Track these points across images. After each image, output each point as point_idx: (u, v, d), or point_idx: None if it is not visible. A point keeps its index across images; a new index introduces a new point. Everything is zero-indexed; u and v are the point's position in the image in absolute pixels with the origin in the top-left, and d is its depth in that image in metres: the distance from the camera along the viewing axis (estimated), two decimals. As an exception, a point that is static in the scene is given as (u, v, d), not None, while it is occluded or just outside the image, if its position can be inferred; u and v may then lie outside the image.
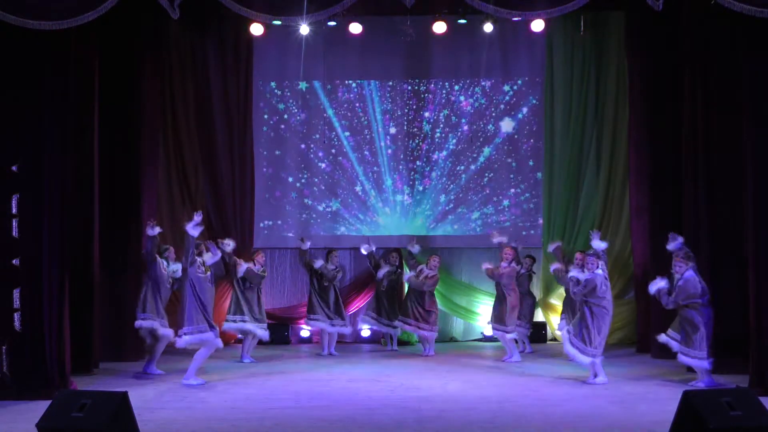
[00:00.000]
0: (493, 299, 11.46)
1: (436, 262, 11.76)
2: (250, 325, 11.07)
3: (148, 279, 10.28)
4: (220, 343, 9.66)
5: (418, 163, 13.21)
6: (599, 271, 9.40)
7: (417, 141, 13.23)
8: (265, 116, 13.29)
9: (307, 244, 11.86)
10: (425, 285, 11.62)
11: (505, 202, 13.18)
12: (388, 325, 12.17)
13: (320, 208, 13.28)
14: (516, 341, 11.40)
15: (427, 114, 13.22)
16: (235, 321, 11.07)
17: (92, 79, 10.33)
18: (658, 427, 7.07)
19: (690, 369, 9.50)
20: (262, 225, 13.26)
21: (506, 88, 13.17)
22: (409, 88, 13.21)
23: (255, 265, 11.20)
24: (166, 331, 10.16)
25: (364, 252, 12.24)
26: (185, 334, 9.33)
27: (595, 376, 9.42)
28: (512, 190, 13.18)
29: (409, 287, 11.91)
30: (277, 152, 13.28)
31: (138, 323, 10.19)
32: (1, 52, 8.76)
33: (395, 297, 12.29)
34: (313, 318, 11.80)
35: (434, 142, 13.21)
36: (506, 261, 11.21)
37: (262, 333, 11.18)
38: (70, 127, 9.02)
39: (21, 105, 8.82)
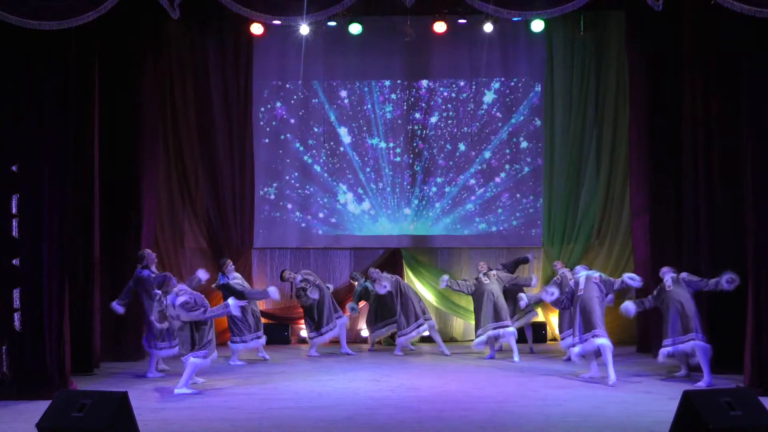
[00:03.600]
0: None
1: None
2: (252, 343, 11.15)
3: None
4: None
5: (417, 162, 13.20)
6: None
7: (416, 141, 13.22)
8: (265, 116, 13.29)
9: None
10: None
11: (505, 202, 13.18)
12: (389, 324, 12.12)
13: (320, 207, 13.28)
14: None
15: (426, 114, 13.22)
16: (244, 341, 11.09)
17: (92, 79, 10.34)
18: (658, 427, 7.07)
19: (693, 368, 9.57)
20: (261, 225, 13.26)
21: (506, 88, 13.18)
22: (409, 88, 13.21)
23: (228, 277, 11.12)
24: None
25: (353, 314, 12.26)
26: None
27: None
28: (512, 190, 13.18)
29: (405, 291, 11.86)
30: (276, 152, 13.28)
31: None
32: (1, 52, 8.76)
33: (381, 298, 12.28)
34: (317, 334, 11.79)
35: (434, 142, 13.21)
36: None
37: (262, 342, 11.35)
38: (70, 127, 9.01)
39: (21, 105, 8.82)
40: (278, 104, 13.29)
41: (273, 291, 10.89)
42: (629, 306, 9.78)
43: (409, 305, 11.69)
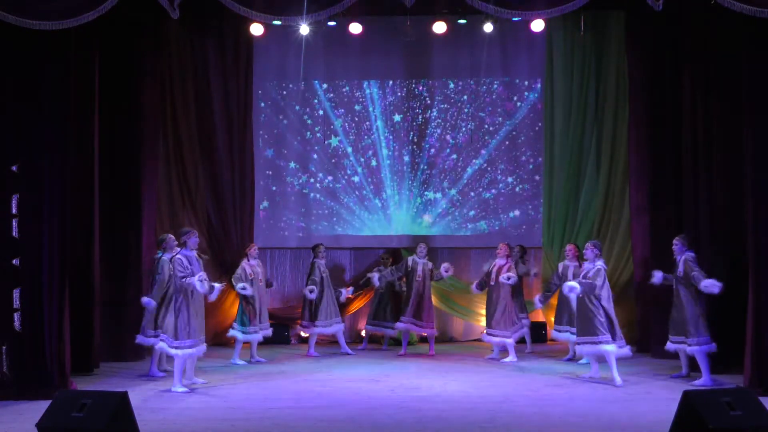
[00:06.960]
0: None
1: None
2: (254, 336, 11.15)
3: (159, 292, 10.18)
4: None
5: (417, 163, 13.21)
6: (599, 263, 9.62)
7: (417, 141, 13.23)
8: (265, 116, 13.30)
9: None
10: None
11: (505, 202, 13.18)
12: (388, 327, 12.17)
13: (320, 207, 13.28)
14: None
15: (426, 114, 13.23)
16: (246, 332, 11.10)
17: (92, 79, 10.33)
18: (658, 427, 7.07)
19: (694, 368, 9.57)
20: (261, 225, 13.26)
21: (506, 88, 13.18)
22: (409, 88, 13.22)
23: (248, 260, 11.22)
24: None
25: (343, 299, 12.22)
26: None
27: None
28: (512, 190, 13.19)
29: (413, 288, 11.83)
30: (276, 152, 13.29)
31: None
32: (2, 52, 8.76)
33: (390, 298, 12.32)
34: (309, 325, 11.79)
35: (434, 142, 13.21)
36: (503, 257, 11.37)
37: (265, 333, 11.33)
38: (70, 127, 9.01)
39: (21, 105, 8.82)
40: (278, 104, 13.29)
41: (245, 287, 10.85)
42: (656, 275, 9.88)
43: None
